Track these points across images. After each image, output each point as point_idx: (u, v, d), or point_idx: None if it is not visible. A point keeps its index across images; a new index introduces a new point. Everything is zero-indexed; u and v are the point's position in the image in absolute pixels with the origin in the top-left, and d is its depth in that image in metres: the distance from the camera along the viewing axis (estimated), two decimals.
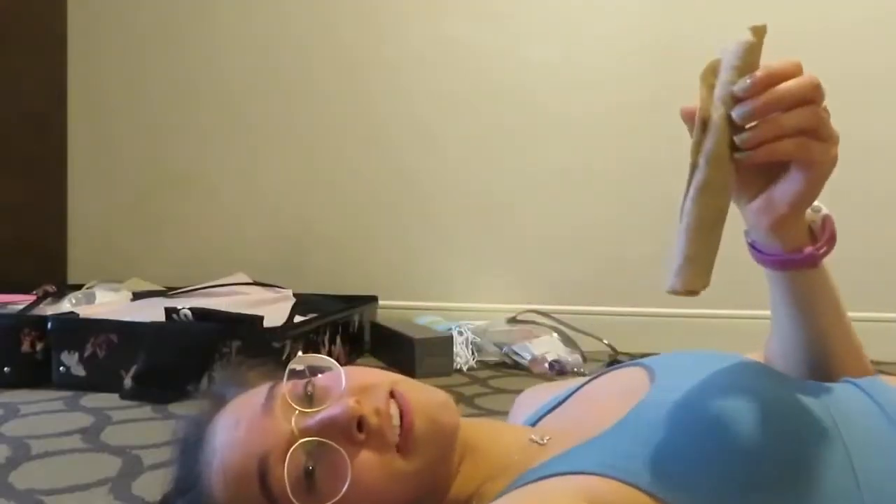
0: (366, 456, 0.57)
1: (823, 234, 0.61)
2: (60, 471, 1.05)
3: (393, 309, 2.10)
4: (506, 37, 2.13)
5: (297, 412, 0.59)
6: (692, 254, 0.54)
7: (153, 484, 0.99)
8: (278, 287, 1.97)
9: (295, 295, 1.91)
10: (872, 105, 1.90)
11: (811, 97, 0.53)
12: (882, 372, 0.67)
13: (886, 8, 1.91)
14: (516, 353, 1.79)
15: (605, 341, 1.87)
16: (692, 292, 0.54)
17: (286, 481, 0.56)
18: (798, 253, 0.60)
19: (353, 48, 2.23)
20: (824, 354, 0.66)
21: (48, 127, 2.42)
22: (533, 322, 1.95)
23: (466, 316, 2.02)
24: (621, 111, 2.05)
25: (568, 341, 1.85)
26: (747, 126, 0.54)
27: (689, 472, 0.51)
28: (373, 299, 2.11)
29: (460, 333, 1.87)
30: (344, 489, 0.56)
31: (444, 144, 2.18)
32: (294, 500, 0.56)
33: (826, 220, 0.62)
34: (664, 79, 2.01)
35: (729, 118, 0.54)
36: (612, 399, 0.65)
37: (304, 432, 0.58)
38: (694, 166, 0.56)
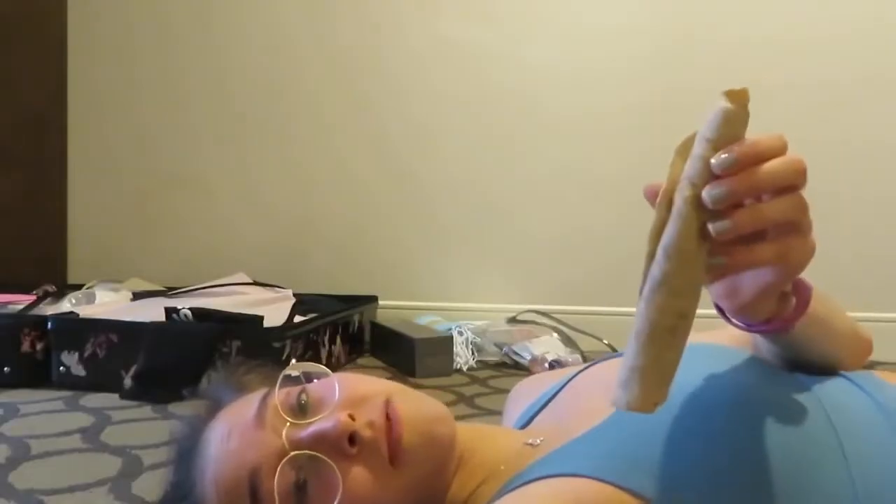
0: (358, 470, 0.57)
1: (796, 298, 0.54)
2: (60, 471, 1.05)
3: (393, 309, 2.10)
4: (504, 38, 2.13)
5: (288, 424, 0.58)
6: (641, 365, 0.46)
7: (153, 484, 0.99)
8: (278, 287, 1.97)
9: (295, 295, 1.91)
10: (873, 106, 1.90)
11: (797, 182, 0.46)
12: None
13: (887, 9, 1.91)
14: (516, 353, 1.79)
15: (605, 341, 1.87)
16: (642, 411, 0.46)
17: (276, 496, 0.56)
18: (766, 324, 0.54)
19: (350, 49, 2.23)
20: (819, 365, 0.64)
21: (48, 127, 2.42)
22: (533, 322, 1.96)
23: (466, 316, 2.02)
24: (621, 112, 2.05)
25: (568, 341, 1.85)
26: (720, 208, 0.45)
27: (677, 473, 0.51)
28: (373, 299, 2.11)
29: (460, 333, 1.87)
30: (337, 499, 0.56)
31: (443, 145, 2.18)
32: None
33: (798, 282, 0.54)
34: (664, 79, 2.01)
35: (698, 201, 0.46)
36: (601, 394, 0.63)
37: (295, 445, 0.57)
38: (650, 256, 0.47)
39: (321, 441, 0.57)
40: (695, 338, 0.48)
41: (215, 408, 0.66)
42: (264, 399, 0.61)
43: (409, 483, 0.58)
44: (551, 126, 2.10)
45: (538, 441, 0.63)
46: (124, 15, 2.40)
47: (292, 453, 0.57)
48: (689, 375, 0.60)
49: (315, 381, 0.64)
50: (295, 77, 2.27)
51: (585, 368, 0.76)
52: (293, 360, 0.89)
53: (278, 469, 0.56)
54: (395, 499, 0.58)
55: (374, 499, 0.57)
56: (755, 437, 0.52)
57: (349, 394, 0.61)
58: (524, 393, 0.87)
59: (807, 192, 0.47)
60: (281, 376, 0.62)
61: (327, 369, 0.65)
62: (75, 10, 2.43)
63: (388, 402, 0.60)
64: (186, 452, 0.64)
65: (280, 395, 0.60)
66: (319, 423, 0.58)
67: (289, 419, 0.59)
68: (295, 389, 0.61)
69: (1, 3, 2.31)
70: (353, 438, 0.57)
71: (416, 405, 0.62)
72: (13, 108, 2.34)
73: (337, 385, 0.61)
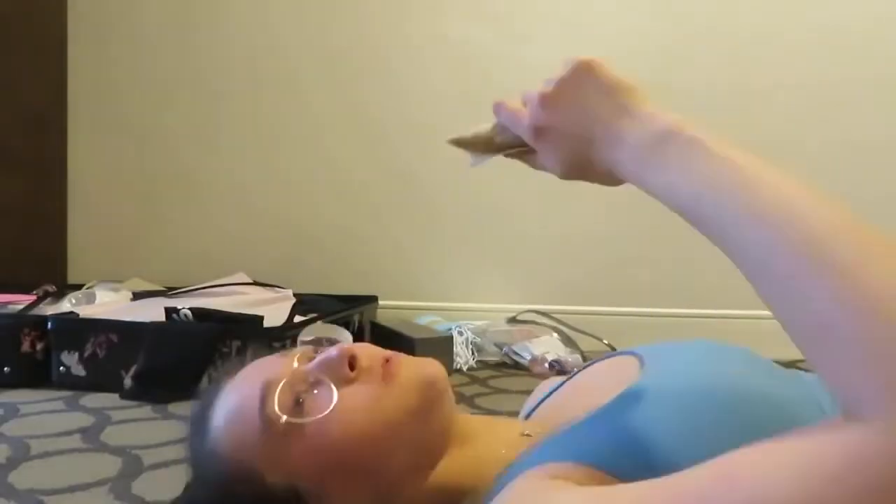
0: (354, 388, 0.63)
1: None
2: (60, 471, 1.05)
3: (393, 309, 2.10)
4: (504, 38, 2.13)
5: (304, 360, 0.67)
6: None
7: (153, 484, 0.99)
8: (278, 287, 1.97)
9: (295, 295, 1.91)
10: (873, 106, 1.90)
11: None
12: None
13: (887, 9, 1.91)
14: (516, 353, 1.79)
15: (605, 341, 1.87)
16: None
17: (276, 403, 0.61)
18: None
19: (350, 49, 2.23)
20: None
21: (48, 127, 2.42)
22: (533, 322, 1.96)
23: (466, 316, 2.02)
24: None
25: (568, 341, 1.85)
26: None
27: (669, 462, 0.51)
28: (373, 299, 2.10)
29: (460, 333, 1.87)
30: (330, 408, 0.60)
31: (443, 145, 2.16)
32: (281, 414, 0.61)
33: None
34: (663, 79, 2.01)
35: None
36: (599, 387, 0.66)
37: (303, 370, 0.65)
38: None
39: (326, 364, 0.64)
40: (692, 335, 0.49)
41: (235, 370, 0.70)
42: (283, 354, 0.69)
43: (399, 404, 0.62)
44: None
45: (536, 431, 0.66)
46: (125, 15, 2.40)
47: (300, 369, 0.64)
48: (685, 369, 0.61)
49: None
50: (295, 77, 2.27)
51: (589, 365, 0.80)
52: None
53: (282, 383, 0.62)
54: (385, 416, 0.61)
55: (365, 410, 0.61)
56: (750, 431, 0.52)
57: (356, 346, 0.69)
58: (540, 389, 0.91)
59: None
60: (299, 341, 0.71)
61: (342, 329, 0.73)
62: (75, 10, 2.43)
63: (388, 357, 0.67)
64: (207, 393, 0.69)
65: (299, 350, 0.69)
66: (325, 352, 0.65)
67: (302, 363, 0.66)
68: (311, 347, 0.69)
69: (1, 3, 2.31)
70: (352, 364, 0.64)
71: (415, 361, 0.68)
72: (13, 108, 2.33)
73: (349, 339, 0.68)
